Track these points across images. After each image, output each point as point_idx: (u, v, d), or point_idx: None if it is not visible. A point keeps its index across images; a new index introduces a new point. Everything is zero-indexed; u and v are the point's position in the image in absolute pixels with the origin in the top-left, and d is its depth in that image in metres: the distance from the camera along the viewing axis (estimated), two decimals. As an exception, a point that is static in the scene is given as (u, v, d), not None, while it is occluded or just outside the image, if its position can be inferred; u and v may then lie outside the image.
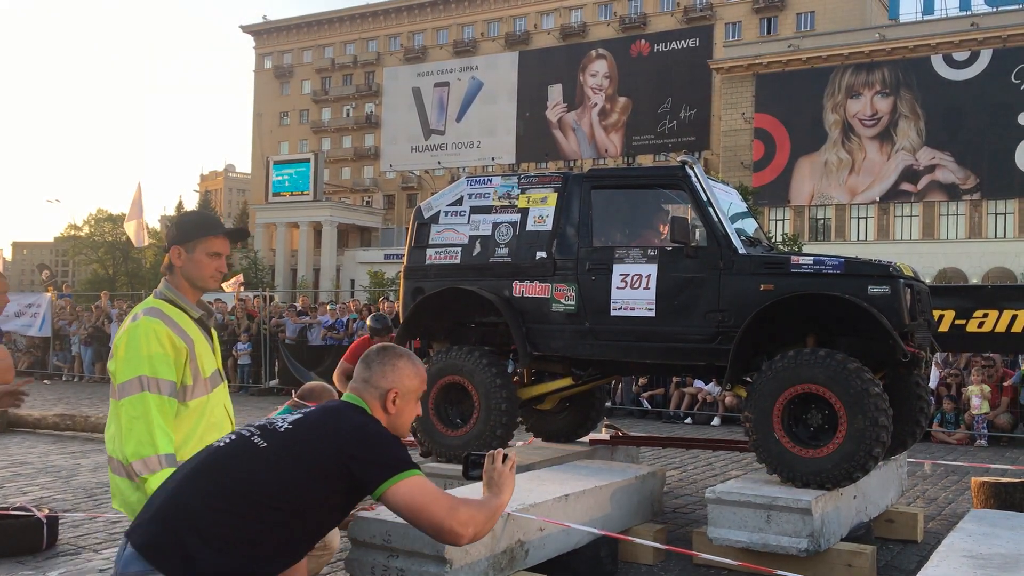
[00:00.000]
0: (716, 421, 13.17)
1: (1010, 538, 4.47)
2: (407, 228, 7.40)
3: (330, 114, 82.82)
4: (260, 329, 17.68)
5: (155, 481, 2.93)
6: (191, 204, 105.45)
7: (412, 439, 7.03)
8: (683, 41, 65.76)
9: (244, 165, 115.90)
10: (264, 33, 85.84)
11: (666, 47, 66.34)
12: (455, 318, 6.93)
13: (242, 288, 25.83)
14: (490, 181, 6.76)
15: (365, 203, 79.93)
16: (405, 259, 6.96)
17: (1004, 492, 6.53)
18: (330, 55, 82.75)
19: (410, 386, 2.94)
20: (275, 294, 26.89)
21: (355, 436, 2.68)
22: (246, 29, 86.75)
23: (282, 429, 2.67)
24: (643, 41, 67.44)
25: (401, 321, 6.97)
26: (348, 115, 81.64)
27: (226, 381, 3.42)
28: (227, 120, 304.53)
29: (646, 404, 14.02)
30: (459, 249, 6.68)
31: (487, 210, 6.66)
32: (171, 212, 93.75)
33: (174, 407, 3.09)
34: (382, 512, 4.40)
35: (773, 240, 45.15)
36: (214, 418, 3.22)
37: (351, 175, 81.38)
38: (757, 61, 57.72)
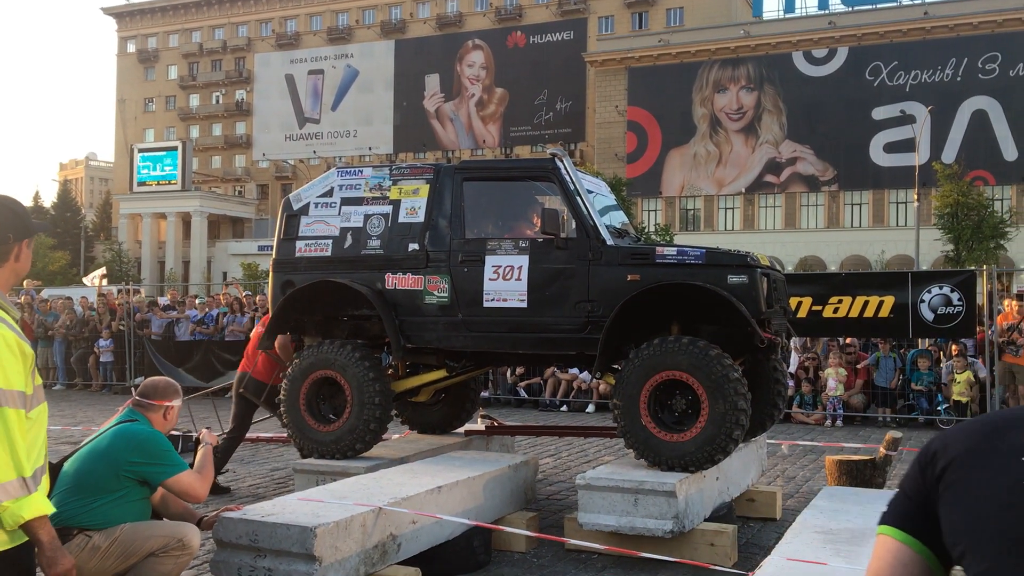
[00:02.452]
0: (591, 408, 13.42)
1: (859, 513, 4.75)
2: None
3: (198, 101, 79.98)
4: (127, 325, 16.95)
5: (17, 508, 2.65)
6: (49, 195, 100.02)
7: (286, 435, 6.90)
8: (558, 34, 66.63)
9: (107, 153, 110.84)
10: (127, 15, 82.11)
11: (541, 39, 67.07)
12: (327, 311, 6.83)
13: (104, 282, 24.74)
14: (361, 172, 6.69)
15: (237, 193, 77.66)
16: (274, 252, 6.81)
17: (855, 469, 6.91)
18: (198, 39, 79.88)
19: None
20: (141, 288, 25.85)
21: None
22: (108, 11, 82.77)
23: None
24: (519, 33, 67.94)
25: (270, 315, 6.82)
26: (218, 102, 79.05)
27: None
28: (89, 106, 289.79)
29: (523, 393, 14.17)
30: (330, 241, 6.58)
31: (358, 201, 6.58)
32: (28, 204, 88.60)
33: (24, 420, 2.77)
34: (248, 512, 4.31)
35: (646, 230, 46.39)
36: (44, 431, 2.94)
37: (222, 164, 78.89)
38: (629, 55, 58.98)
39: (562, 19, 67.07)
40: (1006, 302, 11.89)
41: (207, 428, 4.54)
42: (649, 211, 57.74)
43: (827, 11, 55.59)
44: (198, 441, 4.41)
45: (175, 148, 67.03)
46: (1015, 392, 11.45)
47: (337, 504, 4.51)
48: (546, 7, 67.85)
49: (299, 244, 6.65)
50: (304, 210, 6.71)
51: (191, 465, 4.09)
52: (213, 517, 4.25)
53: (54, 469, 3.92)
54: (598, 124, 60.84)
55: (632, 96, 58.91)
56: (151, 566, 3.77)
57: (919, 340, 12.49)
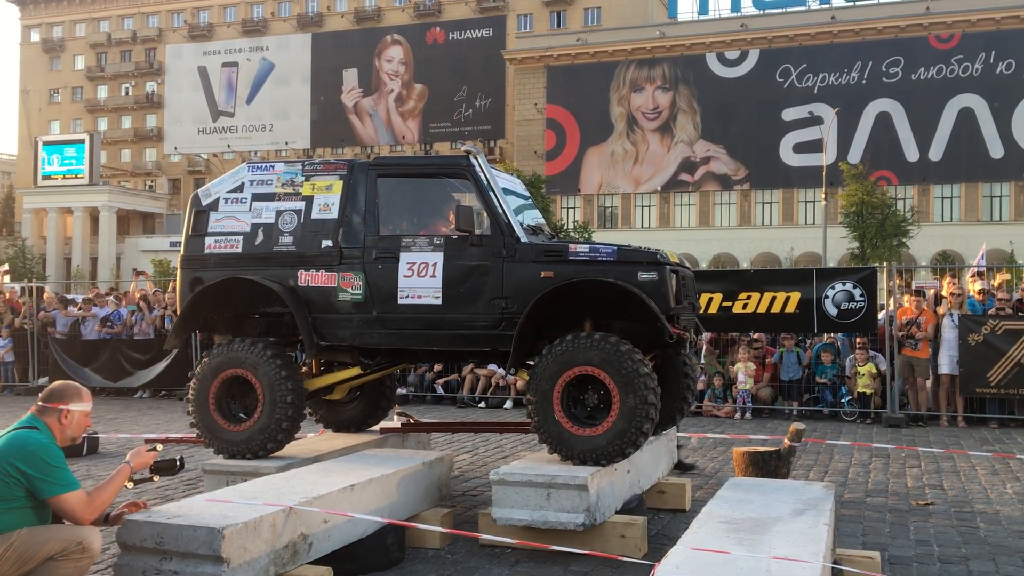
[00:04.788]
0: (508, 404, 13.48)
1: (762, 503, 4.90)
2: (188, 216, 7.07)
3: (107, 92, 77.50)
4: (32, 323, 16.34)
5: None
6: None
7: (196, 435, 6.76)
8: (477, 30, 66.66)
9: (9, 146, 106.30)
10: (31, 3, 79.01)
11: (461, 35, 67.01)
12: (237, 309, 6.72)
13: (7, 279, 23.80)
14: (272, 167, 6.59)
15: (148, 187, 75.57)
16: (182, 248, 6.67)
17: (761, 460, 7.12)
18: (106, 29, 77.40)
19: None
20: (45, 285, 24.94)
21: None
22: (8, -3, 79.54)
23: None
24: (438, 28, 67.76)
25: (178, 313, 6.68)
26: (127, 94, 76.75)
27: None
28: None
29: (440, 390, 14.16)
30: (240, 238, 6.47)
31: (270, 197, 6.49)
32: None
33: None
34: (153, 514, 4.22)
35: (565, 227, 46.76)
36: None
37: (131, 157, 76.63)
38: (548, 53, 59.39)
39: (481, 16, 67.11)
40: (905, 298, 12.38)
41: (154, 446, 4.31)
42: (568, 208, 58.28)
43: (739, 13, 56.93)
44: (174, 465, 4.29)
45: (82, 141, 64.80)
46: (914, 384, 11.93)
47: (246, 504, 4.45)
48: (465, 4, 67.78)
49: (208, 240, 6.53)
50: (213, 206, 6.59)
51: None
52: (119, 513, 4.13)
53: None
54: (517, 121, 61.10)
55: (551, 94, 59.36)
56: (50, 570, 3.67)
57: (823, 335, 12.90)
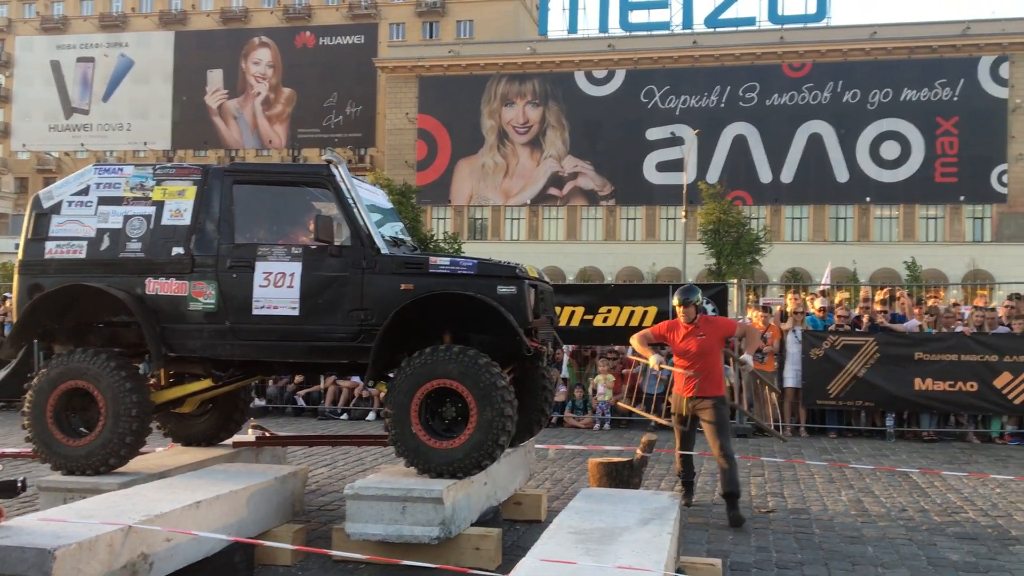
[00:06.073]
0: (371, 416, 13.34)
1: (611, 513, 5.03)
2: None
3: (-53, 82, 72.53)
4: None
5: None
6: None
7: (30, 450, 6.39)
8: (348, 37, 65.98)
9: None
10: None
11: (332, 41, 66.15)
12: (80, 318, 6.39)
13: None
14: (121, 170, 6.32)
15: (-9, 186, 71.06)
16: (20, 253, 6.31)
17: (615, 471, 7.30)
18: (-53, 16, 72.51)
19: None
20: None
21: None
22: None
23: None
24: (308, 33, 66.65)
25: (15, 321, 6.30)
26: (-30, 85, 72.06)
27: None
28: None
29: (301, 402, 13.86)
30: (85, 243, 6.18)
31: (117, 201, 6.22)
32: None
33: None
34: (-24, 536, 3.97)
35: (435, 238, 46.75)
36: None
37: (-27, 153, 71.92)
38: (420, 63, 59.36)
39: (353, 23, 66.46)
40: (750, 312, 12.95)
41: None
42: (438, 219, 58.29)
43: (607, 34, 58.45)
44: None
45: (-84, 133, 60.42)
46: (759, 395, 12.49)
47: (82, 523, 4.24)
48: (336, 9, 66.99)
49: (49, 245, 6.20)
50: (56, 209, 6.26)
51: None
52: None
53: None
54: (388, 130, 60.75)
55: (423, 104, 59.33)
56: None
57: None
